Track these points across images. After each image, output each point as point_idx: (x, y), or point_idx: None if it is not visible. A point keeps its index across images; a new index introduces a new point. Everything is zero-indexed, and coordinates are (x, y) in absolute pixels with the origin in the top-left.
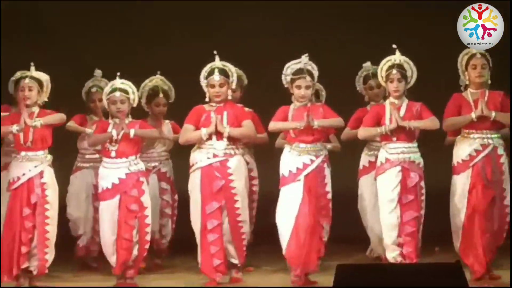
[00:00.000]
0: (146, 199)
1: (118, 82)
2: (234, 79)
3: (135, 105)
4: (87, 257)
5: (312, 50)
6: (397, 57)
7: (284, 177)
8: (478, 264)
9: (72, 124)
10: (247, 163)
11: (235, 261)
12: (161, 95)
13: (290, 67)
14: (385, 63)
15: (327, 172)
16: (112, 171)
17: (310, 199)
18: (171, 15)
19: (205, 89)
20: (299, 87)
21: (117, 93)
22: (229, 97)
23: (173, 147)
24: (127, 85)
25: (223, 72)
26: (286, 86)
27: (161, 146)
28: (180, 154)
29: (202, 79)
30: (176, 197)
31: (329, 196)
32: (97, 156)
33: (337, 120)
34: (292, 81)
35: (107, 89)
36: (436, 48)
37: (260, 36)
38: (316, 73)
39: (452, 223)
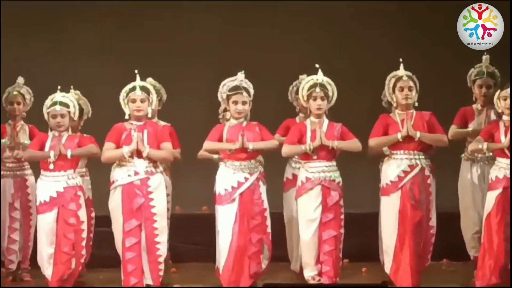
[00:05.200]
0: (82, 214)
1: (59, 96)
2: (154, 98)
3: (75, 118)
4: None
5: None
6: (320, 77)
7: (220, 196)
8: (406, 286)
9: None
10: None
11: (149, 282)
12: None
13: (226, 84)
14: (307, 82)
15: (263, 189)
16: (50, 184)
17: (242, 221)
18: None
19: (125, 108)
20: (235, 102)
21: (58, 107)
22: (149, 115)
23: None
24: (68, 98)
25: (144, 89)
26: (222, 104)
27: None
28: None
29: (123, 97)
30: (93, 214)
31: (266, 213)
32: (17, 164)
33: (272, 142)
34: (228, 97)
35: (47, 102)
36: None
37: None
38: (251, 90)
39: (383, 244)
